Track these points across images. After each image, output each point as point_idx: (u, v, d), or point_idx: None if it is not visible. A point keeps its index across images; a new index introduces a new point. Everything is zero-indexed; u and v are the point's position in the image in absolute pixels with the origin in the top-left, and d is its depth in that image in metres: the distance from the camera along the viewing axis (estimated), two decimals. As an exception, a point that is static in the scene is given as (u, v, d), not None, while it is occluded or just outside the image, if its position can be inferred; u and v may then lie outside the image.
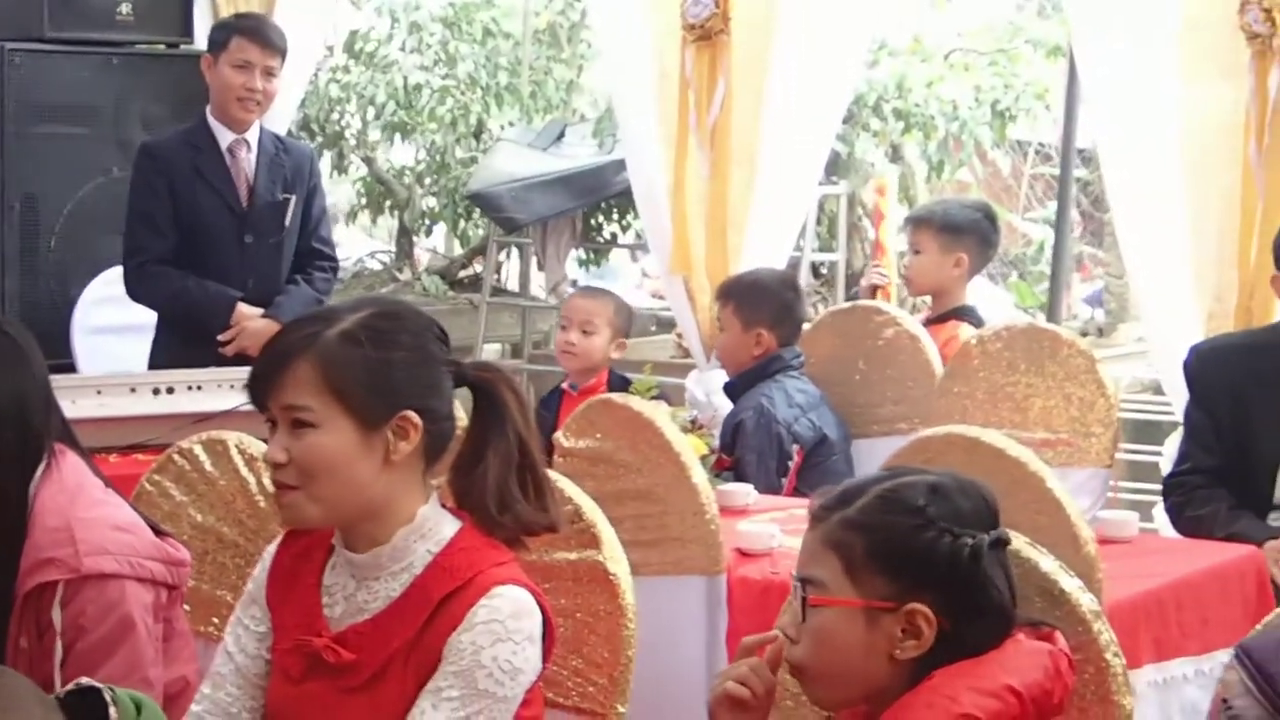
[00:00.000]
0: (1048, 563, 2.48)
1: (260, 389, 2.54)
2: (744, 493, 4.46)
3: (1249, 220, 5.10)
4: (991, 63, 9.45)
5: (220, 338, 5.51)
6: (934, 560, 2.24)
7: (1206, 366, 4.55)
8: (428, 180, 10.37)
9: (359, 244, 11.66)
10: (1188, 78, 5.22)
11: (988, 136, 9.27)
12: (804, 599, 2.28)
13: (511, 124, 10.18)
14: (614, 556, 2.89)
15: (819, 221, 8.93)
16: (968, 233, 5.72)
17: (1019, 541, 2.46)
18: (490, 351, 9.63)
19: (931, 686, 2.21)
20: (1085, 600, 2.45)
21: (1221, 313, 5.20)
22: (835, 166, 8.60)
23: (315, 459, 2.50)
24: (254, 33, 5.62)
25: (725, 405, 5.46)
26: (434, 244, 11.71)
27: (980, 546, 2.25)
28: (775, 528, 3.92)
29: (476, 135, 10.27)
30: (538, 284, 9.85)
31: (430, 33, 10.28)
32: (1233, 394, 4.43)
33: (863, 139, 8.84)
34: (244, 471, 3.32)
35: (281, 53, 5.63)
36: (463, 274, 10.73)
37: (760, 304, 5.35)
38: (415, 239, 11.02)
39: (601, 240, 10.13)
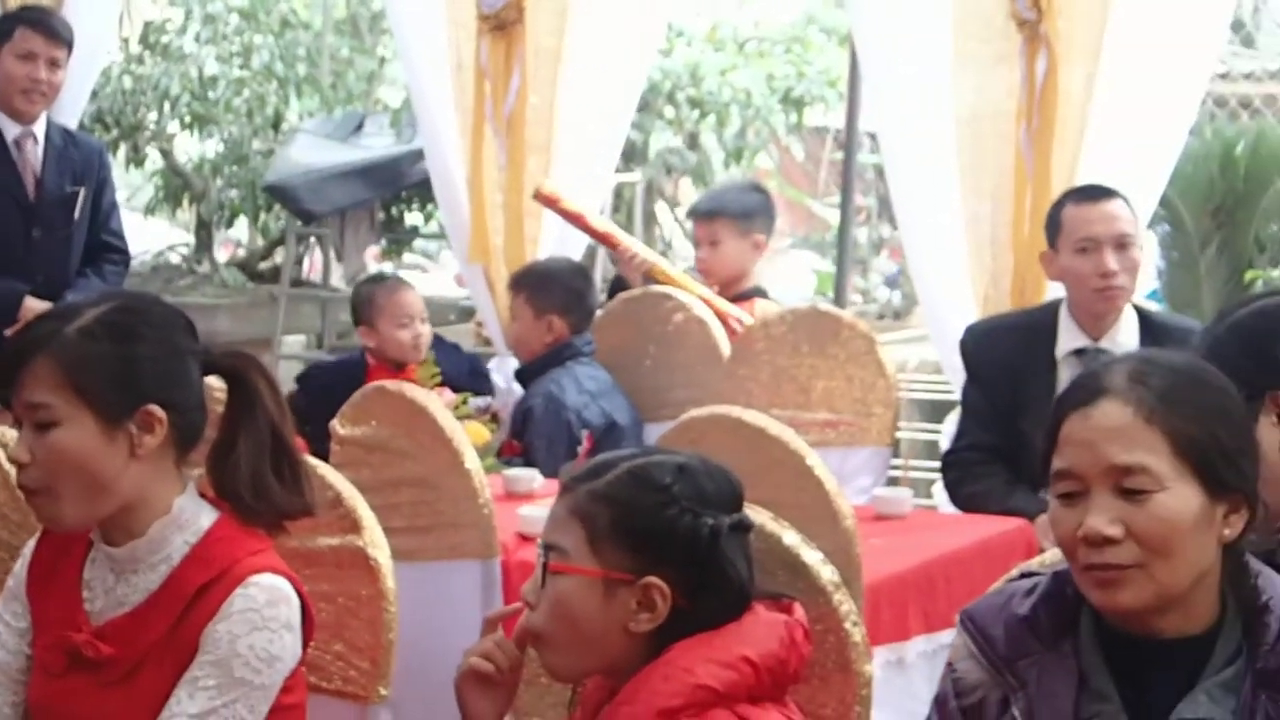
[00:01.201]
0: (790, 536, 2.53)
1: (2, 388, 2.52)
2: (529, 478, 4.49)
3: (1020, 204, 5.21)
4: (786, 50, 9.56)
5: (6, 333, 5.42)
6: (674, 537, 2.28)
7: (980, 345, 4.66)
8: (226, 172, 10.27)
9: (158, 237, 11.51)
10: (961, 64, 5.32)
11: (783, 123, 9.36)
12: (545, 565, 2.32)
13: (311, 115, 10.12)
14: (374, 541, 2.90)
15: (616, 209, 8.99)
16: (759, 214, 5.80)
17: (763, 516, 2.51)
18: (292, 343, 9.57)
19: (668, 659, 2.25)
20: (826, 572, 2.51)
21: (997, 295, 5.30)
22: (632, 155, 8.65)
23: (57, 457, 2.48)
24: (38, 24, 5.57)
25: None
26: (235, 236, 11.60)
27: (720, 527, 2.29)
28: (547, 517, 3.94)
29: (275, 127, 10.19)
30: (338, 275, 9.80)
31: (226, 24, 10.18)
32: (1006, 372, 4.53)
33: (659, 127, 8.90)
34: (6, 465, 3.28)
35: (67, 44, 5.58)
36: (263, 266, 10.65)
37: (551, 292, 5.39)
38: (215, 231, 10.91)
39: (403, 231, 10.10)
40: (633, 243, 5.70)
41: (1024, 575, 2.29)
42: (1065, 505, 2.10)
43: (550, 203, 5.76)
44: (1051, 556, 2.41)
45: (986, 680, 2.16)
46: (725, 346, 5.31)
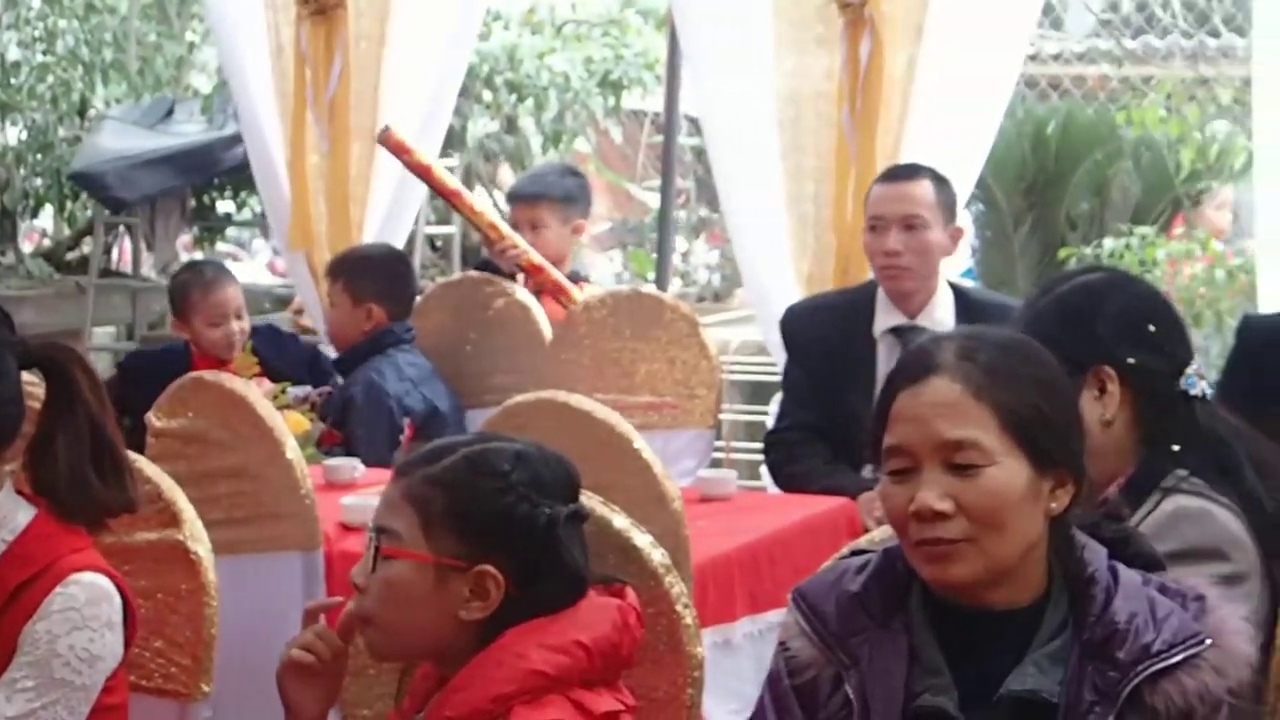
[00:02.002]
0: (620, 520, 2.52)
1: None
2: (350, 466, 4.43)
3: (843, 185, 5.24)
4: (604, 33, 9.55)
5: None
6: (509, 525, 2.26)
7: (800, 325, 4.69)
8: (30, 160, 10.04)
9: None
10: (783, 46, 5.34)
11: (601, 107, 9.36)
12: (376, 548, 2.28)
13: (119, 101, 9.92)
14: (194, 535, 2.84)
15: (434, 196, 8.91)
16: (580, 199, 5.76)
17: (593, 501, 2.49)
18: (101, 335, 9.39)
19: (502, 645, 2.22)
20: (657, 555, 2.50)
21: (820, 275, 5.33)
22: (450, 140, 8.59)
23: None
24: None
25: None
26: (40, 226, 11.36)
27: (557, 516, 2.27)
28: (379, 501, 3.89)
29: (81, 114, 9.98)
30: (149, 265, 9.63)
31: (29, 8, 9.95)
32: (825, 351, 4.56)
33: (477, 112, 8.85)
34: None
35: None
36: (70, 256, 10.43)
37: (369, 279, 5.31)
38: (19, 221, 10.67)
39: (215, 218, 9.95)
40: (510, 233, 5.59)
41: (855, 553, 2.30)
42: (896, 482, 2.11)
43: (399, 150, 5.63)
44: (882, 533, 2.42)
45: (819, 658, 2.16)
46: (548, 331, 5.28)
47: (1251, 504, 2.53)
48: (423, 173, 5.65)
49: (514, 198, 5.94)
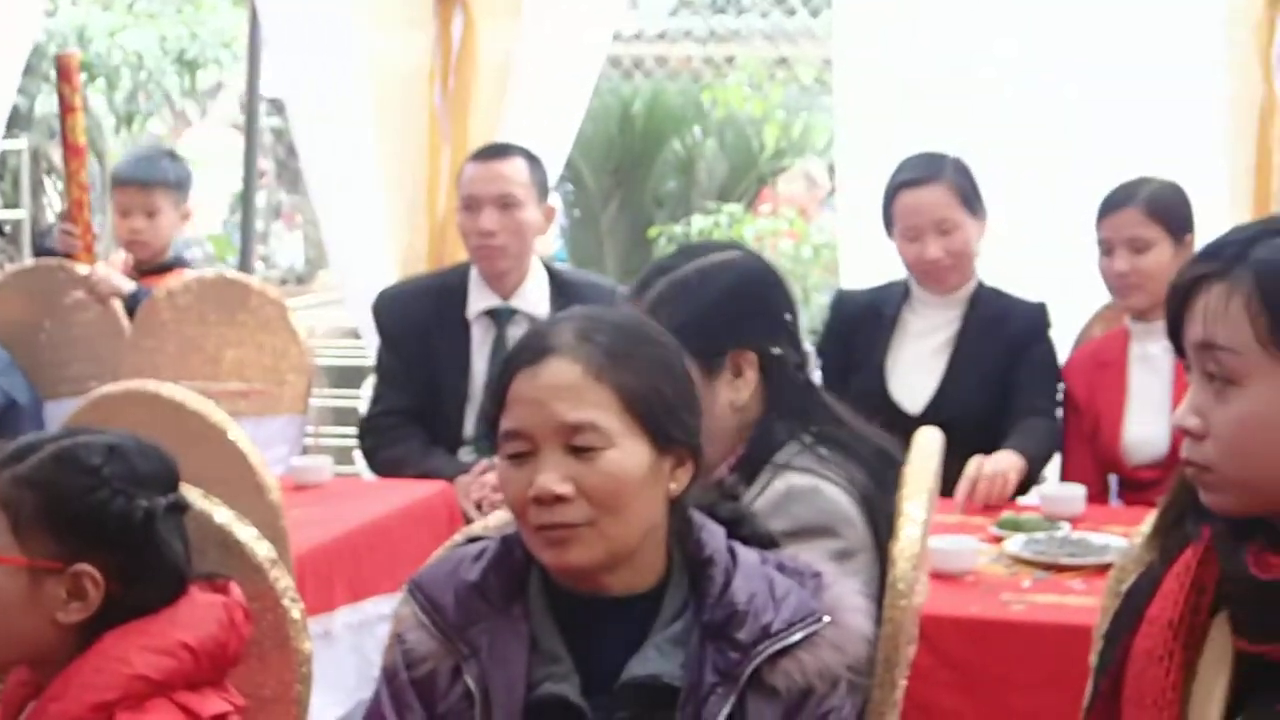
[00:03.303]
0: (222, 514, 2.43)
1: None
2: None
3: (436, 165, 5.19)
4: (178, 11, 9.29)
5: None
6: (105, 522, 2.15)
7: (392, 309, 4.62)
8: None
9: None
10: (372, 24, 5.26)
11: (177, 86, 9.10)
12: None
13: None
14: None
15: (1, 178, 8.55)
16: (186, 183, 5.53)
17: (194, 494, 2.39)
18: None
19: (101, 649, 2.12)
20: (261, 549, 2.42)
21: (415, 257, 5.27)
22: (15, 120, 8.23)
23: None
24: None
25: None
26: None
27: (155, 509, 2.17)
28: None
29: None
30: None
31: None
32: (419, 334, 4.50)
33: (45, 91, 8.50)
34: None
35: None
36: None
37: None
38: None
39: None
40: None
41: (471, 540, 2.24)
42: (515, 466, 2.06)
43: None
44: (497, 519, 2.37)
45: (437, 650, 2.10)
46: (125, 319, 5.09)
47: (860, 481, 2.57)
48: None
49: (123, 182, 5.59)
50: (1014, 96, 5.08)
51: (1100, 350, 4.16)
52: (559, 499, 2.03)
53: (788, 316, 2.67)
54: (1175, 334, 1.77)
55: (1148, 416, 4.02)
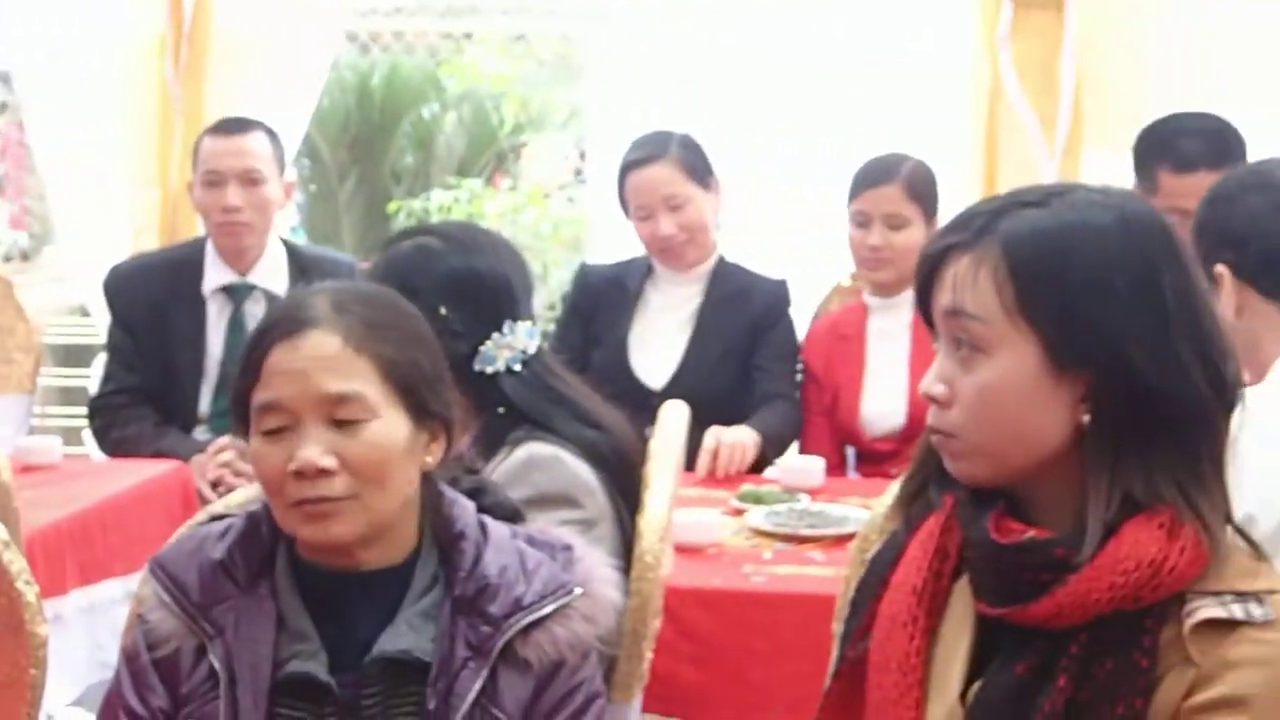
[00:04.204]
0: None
1: None
2: None
3: (167, 138, 5.09)
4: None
5: None
6: None
7: (123, 287, 4.51)
8: None
9: None
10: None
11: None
12: None
13: None
14: None
15: None
16: None
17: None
18: None
19: None
20: (-6, 531, 2.34)
21: (146, 232, 5.16)
22: None
23: None
24: None
25: None
26: None
27: None
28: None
29: None
30: None
31: None
32: (153, 312, 4.40)
33: None
34: None
35: None
36: None
37: None
38: None
39: None
40: None
41: (214, 518, 2.20)
42: (272, 440, 2.03)
43: None
44: (239, 497, 2.32)
45: (180, 630, 2.06)
46: None
47: (592, 453, 2.58)
48: None
49: None
50: (755, 73, 5.14)
51: (839, 323, 4.23)
52: (322, 472, 2.00)
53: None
54: (924, 303, 1.80)
55: (885, 390, 4.09)
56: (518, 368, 2.63)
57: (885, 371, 4.11)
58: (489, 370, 2.62)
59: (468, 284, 2.64)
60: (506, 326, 2.64)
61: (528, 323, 2.66)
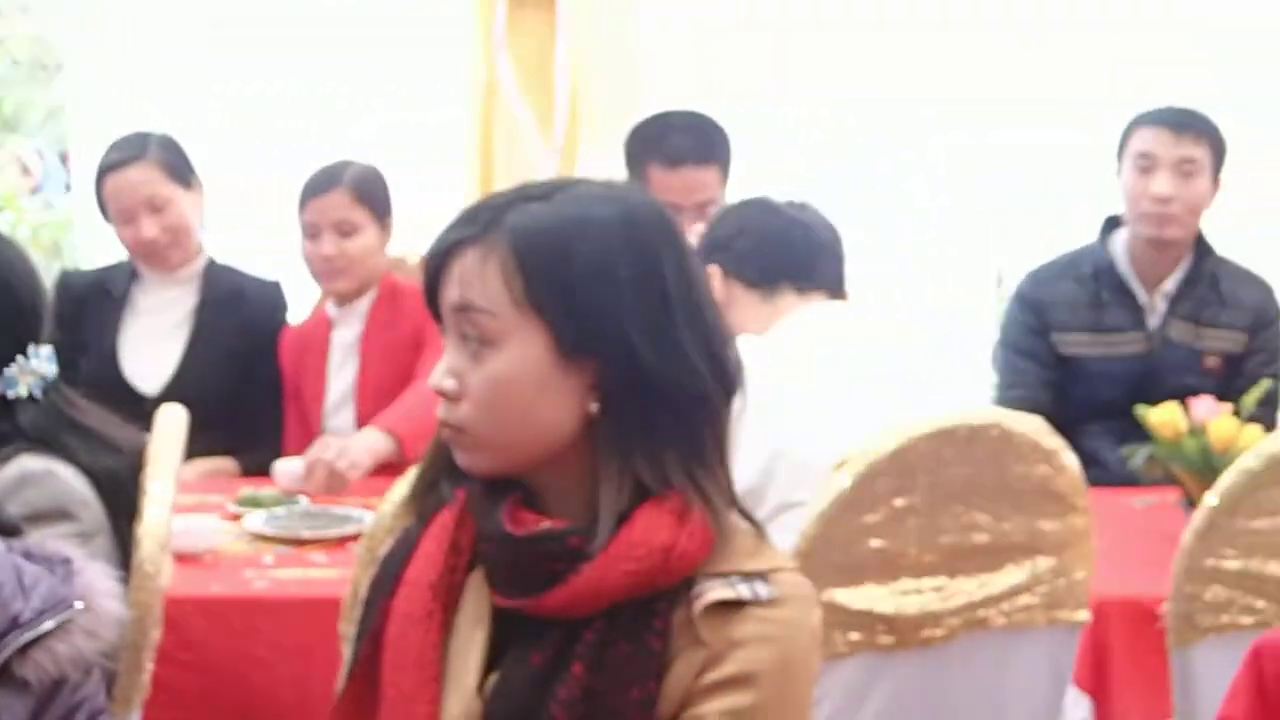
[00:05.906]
0: None
1: None
2: None
3: None
4: None
5: None
6: None
7: None
8: None
9: None
10: None
11: None
12: None
13: None
14: None
15: None
16: None
17: None
18: None
19: None
20: None
21: None
22: None
23: None
24: None
25: None
26: None
27: None
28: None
29: None
30: None
31: None
32: None
33: None
34: None
35: None
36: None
37: None
38: None
39: None
40: None
41: None
42: None
43: None
44: None
45: None
46: None
47: (95, 471, 2.49)
48: None
49: None
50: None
51: (306, 334, 4.17)
52: None
53: None
54: (433, 299, 1.80)
55: (347, 400, 4.07)
56: (38, 395, 2.51)
57: (347, 383, 4.07)
58: (9, 395, 2.49)
59: None
60: (31, 350, 2.51)
61: (49, 347, 2.53)
